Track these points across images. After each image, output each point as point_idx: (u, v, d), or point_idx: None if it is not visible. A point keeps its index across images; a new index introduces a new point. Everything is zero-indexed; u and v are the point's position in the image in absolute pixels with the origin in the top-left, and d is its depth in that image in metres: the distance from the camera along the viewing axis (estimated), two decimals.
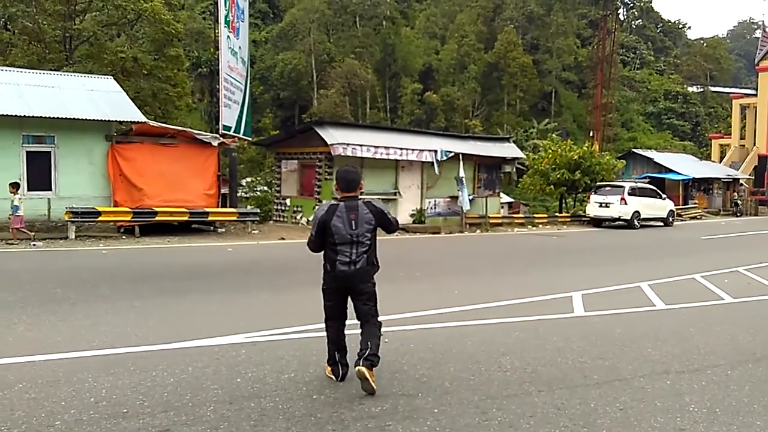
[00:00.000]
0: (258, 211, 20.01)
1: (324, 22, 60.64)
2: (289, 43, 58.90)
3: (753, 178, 41.59)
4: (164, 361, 5.34)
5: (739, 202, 36.67)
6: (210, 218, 17.32)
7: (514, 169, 28.61)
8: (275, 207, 22.51)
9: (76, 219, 15.05)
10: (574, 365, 5.59)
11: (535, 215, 26.94)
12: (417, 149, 21.20)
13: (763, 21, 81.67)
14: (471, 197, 22.28)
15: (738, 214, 34.78)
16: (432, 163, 21.31)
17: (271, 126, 51.14)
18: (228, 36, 19.09)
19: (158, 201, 16.53)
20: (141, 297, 8.16)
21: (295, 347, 5.91)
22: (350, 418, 4.16)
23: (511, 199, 38.39)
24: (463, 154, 22.00)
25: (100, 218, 15.46)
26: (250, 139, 23.79)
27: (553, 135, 35.44)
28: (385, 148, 20.31)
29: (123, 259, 12.51)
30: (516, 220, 24.58)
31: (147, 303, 7.82)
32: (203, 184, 17.91)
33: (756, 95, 45.85)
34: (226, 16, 18.99)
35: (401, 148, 20.75)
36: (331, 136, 19.43)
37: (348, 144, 19.29)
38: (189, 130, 19.39)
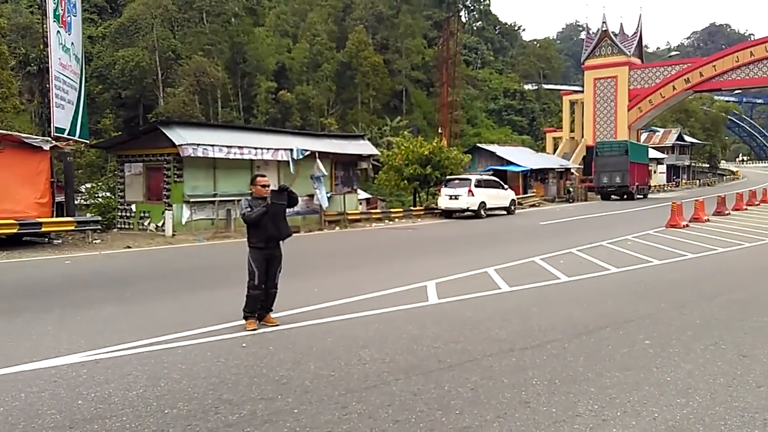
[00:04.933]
0: (99, 219, 18.58)
1: (168, 18, 57.50)
2: (130, 39, 55.16)
3: (582, 167, 45.82)
4: None
5: (571, 189, 40.29)
6: (44, 229, 15.76)
7: (370, 166, 29.15)
8: (119, 214, 21.02)
9: None
10: (429, 351, 5.81)
11: (392, 210, 27.69)
12: (272, 148, 20.88)
13: (587, 24, 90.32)
14: (329, 195, 22.39)
15: (571, 201, 38.21)
16: (288, 162, 21.10)
17: (113, 127, 47.56)
18: (58, 31, 17.44)
19: None
20: None
21: (143, 362, 5.55)
22: (205, 429, 3.99)
23: (369, 195, 39.11)
24: (319, 152, 22.02)
25: None
26: (87, 141, 22.00)
27: (405, 132, 36.58)
28: (239, 147, 19.77)
29: None
30: (374, 216, 25.09)
31: None
32: (34, 193, 16.27)
33: (583, 92, 50.60)
34: (56, 10, 17.35)
35: (256, 148, 20.32)
36: (180, 136, 18.53)
37: (198, 144, 18.52)
38: (15, 133, 17.54)
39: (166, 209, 18.88)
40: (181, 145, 18.09)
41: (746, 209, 25.31)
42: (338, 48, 65.21)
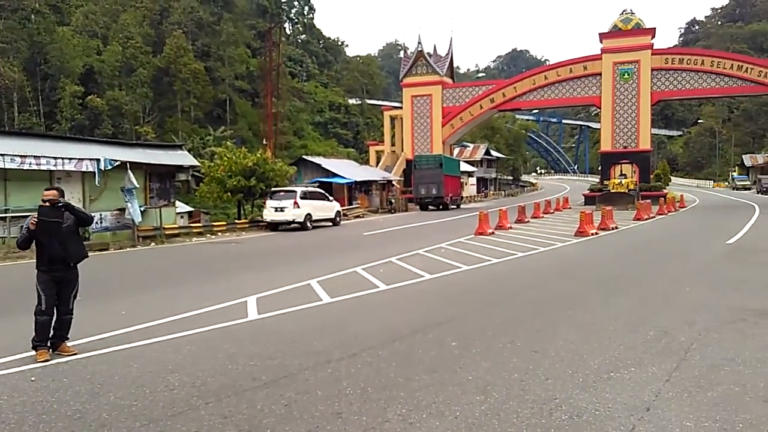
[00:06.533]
0: None
1: None
2: None
3: (403, 179, 48.00)
4: None
5: (393, 200, 42.00)
6: None
7: (191, 178, 27.91)
8: None
9: None
10: (245, 370, 5.64)
11: (214, 223, 26.71)
12: (76, 158, 19.08)
13: (404, 44, 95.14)
14: (142, 208, 20.99)
15: (393, 211, 39.81)
16: (94, 173, 19.42)
17: None
18: None
19: None
20: None
21: None
22: None
23: (191, 208, 37.42)
24: (131, 163, 20.56)
25: None
26: None
27: (228, 142, 35.60)
28: (35, 157, 17.81)
29: None
30: (194, 230, 23.97)
31: None
32: None
33: (402, 108, 53.10)
34: None
35: (56, 158, 18.44)
36: None
37: None
38: None
39: None
40: None
41: (543, 217, 28.27)
42: (155, 53, 61.79)
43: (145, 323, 7.63)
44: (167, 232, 21.79)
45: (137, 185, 20.43)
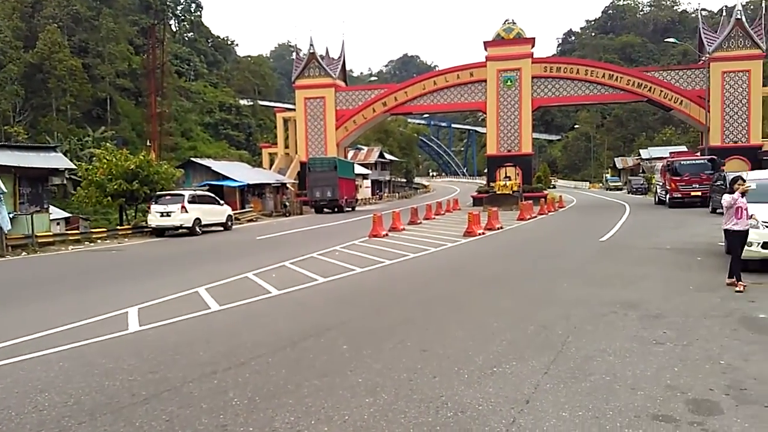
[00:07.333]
0: None
1: None
2: None
3: (297, 182, 47.55)
4: None
5: (287, 203, 41.51)
6: None
7: (66, 181, 26.04)
8: None
9: None
10: (123, 386, 5.33)
11: (93, 230, 25.11)
12: None
13: (296, 45, 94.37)
14: (11, 215, 19.33)
15: (287, 215, 39.35)
16: None
17: None
18: None
19: None
20: None
21: None
22: None
23: (68, 214, 34.99)
24: None
25: None
26: None
27: (108, 144, 33.65)
28: None
29: None
30: (71, 237, 22.41)
31: None
32: None
33: (295, 110, 52.60)
34: None
35: None
36: None
37: None
38: None
39: None
40: None
41: (434, 218, 29.02)
42: (27, 48, 57.31)
43: (12, 340, 7.04)
44: (40, 240, 20.22)
45: (5, 190, 18.81)
